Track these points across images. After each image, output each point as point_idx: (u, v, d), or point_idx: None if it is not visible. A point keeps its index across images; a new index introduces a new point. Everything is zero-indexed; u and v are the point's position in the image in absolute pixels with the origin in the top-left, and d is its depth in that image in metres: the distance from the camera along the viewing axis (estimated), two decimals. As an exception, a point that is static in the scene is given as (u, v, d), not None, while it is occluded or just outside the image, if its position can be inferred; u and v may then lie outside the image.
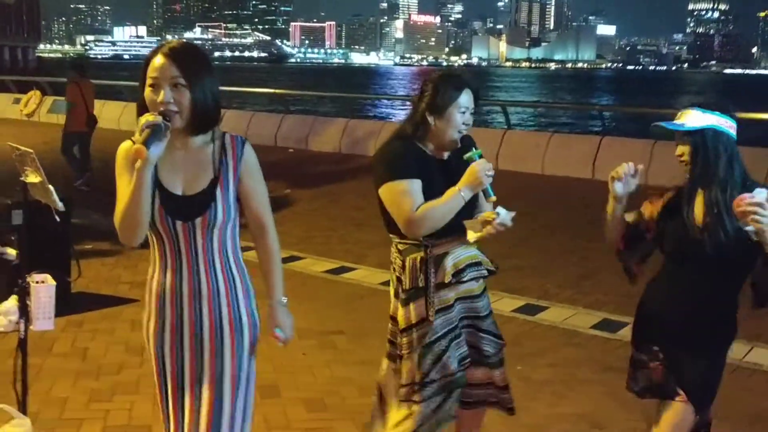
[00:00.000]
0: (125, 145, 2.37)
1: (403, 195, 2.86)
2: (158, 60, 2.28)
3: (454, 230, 2.93)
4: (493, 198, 2.89)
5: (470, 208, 2.96)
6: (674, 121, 2.68)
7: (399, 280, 3.02)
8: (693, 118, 2.63)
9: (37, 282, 3.93)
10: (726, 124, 2.63)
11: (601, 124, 14.52)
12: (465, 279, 2.96)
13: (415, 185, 2.87)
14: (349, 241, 8.32)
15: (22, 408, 2.92)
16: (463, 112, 2.95)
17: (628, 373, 2.93)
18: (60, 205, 2.94)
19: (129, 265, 7.01)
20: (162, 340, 2.50)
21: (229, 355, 2.47)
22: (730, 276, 2.69)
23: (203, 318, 2.45)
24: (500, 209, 2.88)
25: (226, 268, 2.47)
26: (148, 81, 2.29)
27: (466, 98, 2.96)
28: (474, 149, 2.90)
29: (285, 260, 7.25)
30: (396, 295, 3.05)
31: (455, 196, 2.84)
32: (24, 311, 2.75)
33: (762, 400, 4.51)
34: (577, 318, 5.87)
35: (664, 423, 2.77)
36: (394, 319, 3.08)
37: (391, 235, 3.05)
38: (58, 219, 3.01)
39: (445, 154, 3.01)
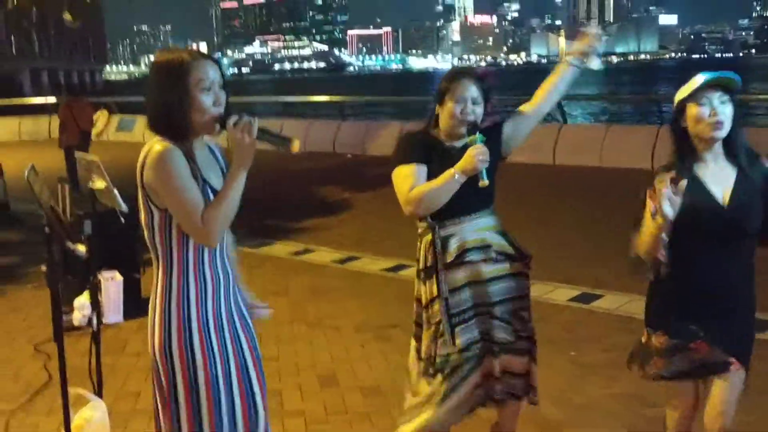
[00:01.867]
0: (173, 152, 2.28)
1: (405, 178, 3.06)
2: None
3: (460, 212, 3.08)
4: (485, 182, 2.97)
5: (472, 191, 3.03)
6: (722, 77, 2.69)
7: (417, 260, 3.21)
8: (734, 82, 2.69)
9: (106, 279, 4.22)
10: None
11: (659, 115, 14.37)
12: (467, 260, 3.08)
13: (419, 169, 3.05)
14: (403, 240, 8.46)
15: (98, 395, 3.18)
16: (460, 102, 3.09)
17: (654, 363, 2.89)
18: (124, 207, 3.19)
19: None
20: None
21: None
22: (754, 236, 2.76)
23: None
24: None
25: (227, 262, 2.46)
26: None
27: (462, 89, 3.10)
28: (477, 134, 3.01)
29: (343, 261, 7.56)
30: (417, 275, 3.23)
31: (449, 178, 2.98)
32: (96, 305, 2.99)
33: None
34: (631, 305, 5.89)
35: (728, 395, 2.79)
36: (418, 300, 3.25)
37: (415, 220, 3.22)
38: (123, 220, 3.27)
39: (459, 143, 3.13)
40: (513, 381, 3.20)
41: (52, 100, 25.91)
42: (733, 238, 2.73)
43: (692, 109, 2.68)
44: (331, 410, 4.22)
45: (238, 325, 2.43)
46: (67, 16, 16.64)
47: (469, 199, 3.07)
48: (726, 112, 2.67)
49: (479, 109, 3.13)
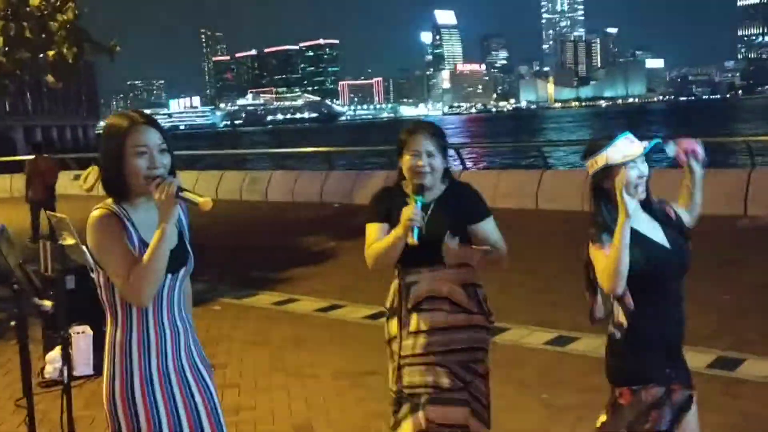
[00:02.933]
0: (103, 218, 2.44)
1: (368, 236, 3.30)
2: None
3: (422, 263, 3.25)
4: (414, 241, 3.09)
5: (438, 244, 3.20)
6: (667, 145, 2.85)
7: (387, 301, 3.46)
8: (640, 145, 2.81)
9: (77, 332, 4.32)
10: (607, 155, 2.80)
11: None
12: (423, 308, 3.27)
13: (380, 228, 3.27)
14: (387, 288, 8.57)
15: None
16: (415, 155, 3.24)
17: (651, 418, 2.82)
18: (92, 263, 3.30)
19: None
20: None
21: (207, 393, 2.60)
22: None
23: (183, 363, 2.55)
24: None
25: (181, 316, 2.57)
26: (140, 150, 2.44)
27: (415, 142, 3.25)
28: (417, 196, 3.17)
29: (325, 309, 7.65)
30: (386, 315, 3.49)
31: (394, 237, 3.15)
32: (66, 359, 3.08)
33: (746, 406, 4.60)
34: (606, 346, 5.99)
35: (696, 426, 2.90)
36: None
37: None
38: (93, 275, 3.37)
39: (431, 194, 3.30)
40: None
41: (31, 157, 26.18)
42: (681, 276, 2.87)
43: (622, 172, 2.71)
44: (305, 457, 4.28)
45: (189, 377, 2.51)
46: (49, 78, 17.04)
47: (431, 254, 3.21)
48: (647, 172, 2.80)
49: (435, 162, 3.26)
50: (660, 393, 2.83)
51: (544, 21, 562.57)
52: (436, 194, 3.34)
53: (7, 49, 15.00)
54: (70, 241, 3.20)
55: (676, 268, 2.85)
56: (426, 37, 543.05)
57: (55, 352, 2.81)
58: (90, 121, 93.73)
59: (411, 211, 3.08)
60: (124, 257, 2.38)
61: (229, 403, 4.96)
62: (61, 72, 16.12)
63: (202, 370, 2.58)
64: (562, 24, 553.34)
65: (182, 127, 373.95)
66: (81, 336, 4.72)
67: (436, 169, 3.27)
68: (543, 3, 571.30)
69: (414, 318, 3.29)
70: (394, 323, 3.38)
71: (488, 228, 3.33)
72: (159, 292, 2.45)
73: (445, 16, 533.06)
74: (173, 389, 2.47)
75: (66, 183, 23.12)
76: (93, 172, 21.63)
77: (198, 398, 2.52)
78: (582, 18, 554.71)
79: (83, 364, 4.85)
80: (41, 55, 15.78)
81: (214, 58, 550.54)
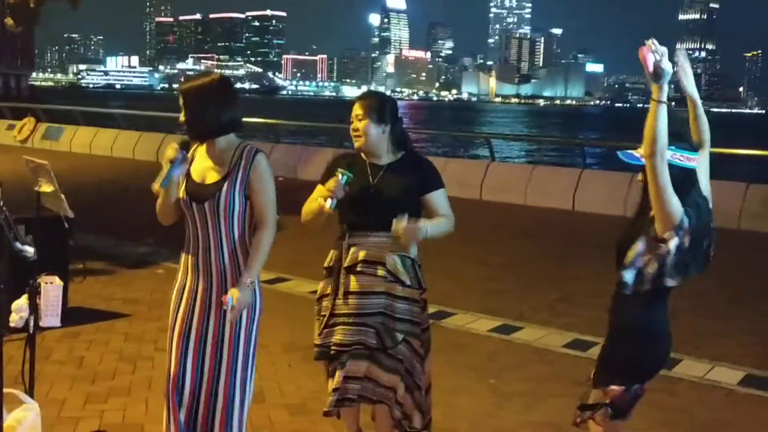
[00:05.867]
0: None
1: (312, 194, 3.52)
2: None
3: (368, 227, 3.42)
4: (328, 209, 3.34)
5: (386, 212, 3.35)
6: (633, 153, 2.94)
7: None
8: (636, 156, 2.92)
9: (47, 282, 4.23)
10: (675, 157, 2.83)
11: (582, 159, 14.91)
12: (358, 270, 3.40)
13: (321, 189, 3.43)
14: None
15: (30, 396, 3.19)
16: (351, 121, 3.48)
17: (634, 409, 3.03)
18: (70, 213, 3.24)
19: (122, 282, 7.28)
20: (178, 303, 3.15)
21: (230, 321, 3.06)
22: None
23: (212, 287, 3.05)
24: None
25: (232, 249, 3.06)
26: None
27: (353, 109, 3.48)
28: (343, 170, 3.34)
29: (272, 281, 7.62)
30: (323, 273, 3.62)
31: (317, 202, 3.40)
32: (34, 308, 3.02)
33: (717, 413, 4.82)
34: (549, 338, 6.15)
35: None
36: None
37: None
38: (66, 225, 3.31)
39: (383, 159, 3.50)
40: (380, 390, 3.48)
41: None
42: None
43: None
44: (258, 426, 4.29)
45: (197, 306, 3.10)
46: (8, 21, 16.22)
47: (378, 218, 3.37)
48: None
49: (365, 126, 3.44)
50: (641, 387, 3.04)
51: (492, 15, 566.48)
52: (388, 160, 3.50)
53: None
54: (47, 188, 3.12)
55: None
56: (374, 19, 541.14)
57: (22, 301, 2.75)
58: (24, 72, 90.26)
59: (333, 183, 3.31)
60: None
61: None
62: (20, 16, 15.47)
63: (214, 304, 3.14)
64: (509, 20, 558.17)
65: (118, 86, 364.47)
66: (51, 286, 4.60)
67: (366, 133, 3.44)
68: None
69: (351, 279, 3.41)
70: (327, 282, 3.52)
71: (440, 199, 3.51)
72: (205, 221, 3.10)
73: (395, 0, 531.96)
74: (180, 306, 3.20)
75: (-1, 132, 22.42)
76: (29, 123, 21.03)
77: (212, 321, 3.11)
78: (529, 16, 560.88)
79: (52, 316, 4.75)
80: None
81: (157, 19, 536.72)
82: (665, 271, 2.84)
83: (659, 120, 2.68)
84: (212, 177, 3.07)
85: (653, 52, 2.60)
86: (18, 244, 2.56)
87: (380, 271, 3.39)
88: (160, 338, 5.43)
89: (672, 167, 2.77)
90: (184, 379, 3.07)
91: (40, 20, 15.48)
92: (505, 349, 5.89)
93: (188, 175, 3.09)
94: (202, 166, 3.11)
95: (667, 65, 2.62)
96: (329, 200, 3.31)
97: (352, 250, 3.43)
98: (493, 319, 6.56)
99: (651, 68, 2.62)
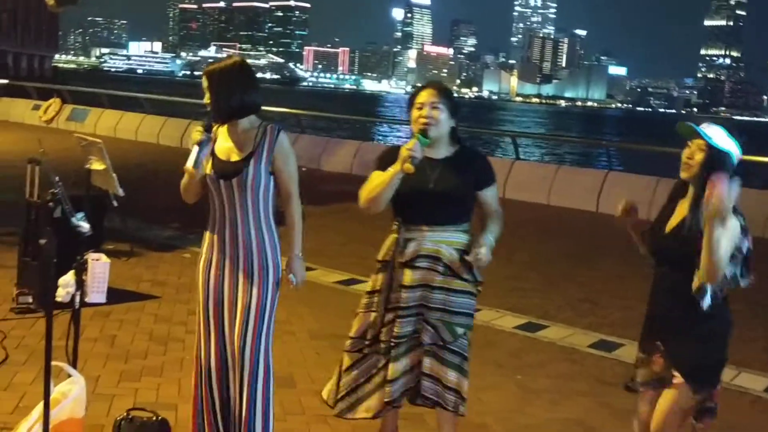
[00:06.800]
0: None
1: (367, 180, 3.44)
2: None
3: (424, 221, 3.37)
4: (410, 168, 3.21)
5: (442, 206, 3.36)
6: (703, 129, 3.00)
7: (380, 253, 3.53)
8: (719, 137, 2.97)
9: (93, 259, 4.30)
10: (737, 155, 2.99)
11: (607, 160, 14.88)
12: (417, 265, 3.36)
13: (378, 173, 3.39)
14: (357, 255, 8.63)
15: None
16: (420, 108, 3.38)
17: (631, 375, 3.30)
18: (120, 191, 3.30)
19: (149, 265, 7.34)
20: (206, 277, 3.34)
21: (257, 290, 3.27)
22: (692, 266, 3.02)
23: (239, 260, 3.25)
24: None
25: (257, 223, 3.27)
26: None
27: (421, 96, 3.40)
28: (422, 136, 3.29)
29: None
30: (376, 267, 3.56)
31: (389, 171, 3.30)
32: (80, 284, 3.08)
33: (743, 419, 4.82)
34: (574, 337, 6.16)
35: (663, 404, 3.12)
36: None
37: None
38: (116, 204, 3.36)
39: (441, 153, 3.43)
40: (444, 393, 3.41)
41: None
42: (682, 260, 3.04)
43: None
44: (289, 410, 4.34)
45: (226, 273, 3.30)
46: (50, 1, 16.29)
47: (435, 212, 3.36)
48: (696, 157, 3.02)
49: (438, 114, 3.37)
50: (640, 355, 3.29)
51: (516, 14, 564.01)
52: (445, 154, 3.45)
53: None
54: (98, 166, 3.17)
55: (676, 249, 3.13)
56: (398, 13, 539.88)
57: (69, 277, 2.79)
58: (48, 53, 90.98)
59: (411, 144, 3.26)
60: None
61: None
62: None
63: (254, 271, 3.34)
64: (533, 19, 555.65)
65: (140, 71, 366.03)
66: (98, 263, 4.66)
67: (439, 121, 3.37)
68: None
69: (407, 273, 3.37)
70: (382, 276, 3.46)
71: (493, 194, 3.53)
72: (232, 196, 3.28)
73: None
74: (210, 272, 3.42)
75: (24, 112, 22.58)
76: (54, 104, 21.15)
77: (241, 290, 3.32)
78: (553, 16, 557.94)
79: (97, 292, 4.87)
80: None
81: (180, 5, 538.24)
82: (736, 278, 3.00)
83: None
84: (237, 155, 3.25)
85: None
86: (74, 220, 2.61)
87: (439, 267, 3.36)
88: (189, 321, 5.49)
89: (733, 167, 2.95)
90: (225, 350, 3.29)
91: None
92: (530, 346, 5.91)
93: (213, 154, 3.26)
94: (226, 146, 3.29)
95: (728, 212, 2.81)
96: (410, 160, 3.21)
97: (410, 244, 3.38)
98: (518, 317, 6.58)
99: (722, 203, 2.75)
